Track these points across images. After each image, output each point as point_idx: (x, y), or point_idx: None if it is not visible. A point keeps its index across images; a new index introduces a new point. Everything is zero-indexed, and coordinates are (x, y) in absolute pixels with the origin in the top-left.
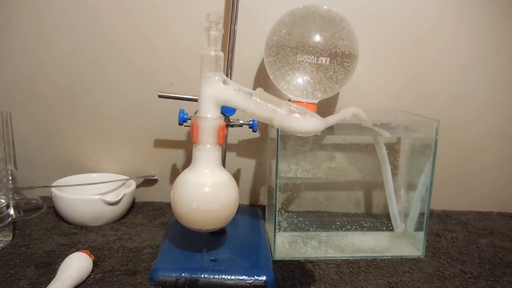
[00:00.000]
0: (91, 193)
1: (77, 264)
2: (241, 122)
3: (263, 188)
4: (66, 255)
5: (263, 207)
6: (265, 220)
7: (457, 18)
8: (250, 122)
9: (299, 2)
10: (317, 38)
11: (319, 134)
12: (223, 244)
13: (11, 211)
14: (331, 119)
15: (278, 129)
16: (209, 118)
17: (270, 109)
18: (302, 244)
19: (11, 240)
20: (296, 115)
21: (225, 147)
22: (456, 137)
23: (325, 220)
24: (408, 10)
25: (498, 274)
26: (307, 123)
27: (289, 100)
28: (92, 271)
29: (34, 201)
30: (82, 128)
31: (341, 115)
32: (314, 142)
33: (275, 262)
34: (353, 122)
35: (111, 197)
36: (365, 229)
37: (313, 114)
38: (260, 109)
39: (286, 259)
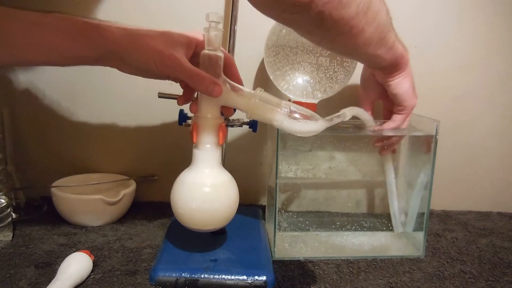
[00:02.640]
0: (91, 193)
1: (77, 264)
2: (241, 122)
3: (263, 188)
4: (66, 255)
5: (263, 207)
6: (265, 220)
7: (457, 18)
8: (250, 122)
9: None
10: None
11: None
12: (223, 244)
13: (11, 211)
14: (332, 120)
15: (278, 129)
16: (209, 118)
17: (270, 109)
18: (302, 244)
19: (11, 240)
20: (296, 115)
21: (225, 147)
22: (456, 137)
23: (325, 220)
24: (408, 10)
25: (498, 274)
26: (307, 123)
27: (289, 100)
28: (92, 271)
29: (34, 201)
30: (82, 128)
31: (342, 115)
32: (314, 142)
33: (275, 262)
34: (354, 123)
35: (111, 197)
36: (365, 229)
37: (312, 114)
38: (259, 110)
39: (286, 259)
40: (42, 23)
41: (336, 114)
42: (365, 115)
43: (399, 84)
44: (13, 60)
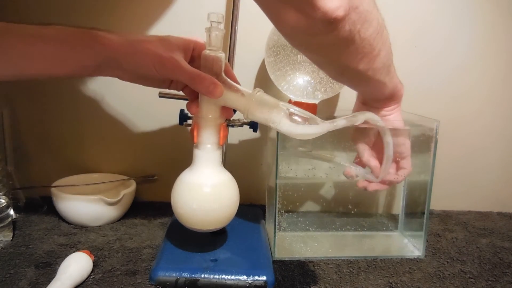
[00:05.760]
0: (91, 193)
1: (77, 264)
2: (241, 122)
3: (263, 188)
4: (66, 255)
5: (263, 207)
6: (265, 220)
7: (456, 18)
8: (251, 122)
9: None
10: None
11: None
12: (223, 244)
13: (11, 211)
14: (334, 124)
15: None
16: (210, 118)
17: (267, 110)
18: (302, 244)
19: (11, 240)
20: (294, 117)
21: (225, 147)
22: (456, 137)
23: (325, 220)
24: (408, 10)
25: (498, 274)
26: (306, 126)
27: (289, 101)
28: (92, 271)
29: (34, 201)
30: (82, 128)
31: (347, 120)
32: (314, 142)
33: (275, 262)
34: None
35: (111, 197)
36: (365, 229)
37: (312, 117)
38: (257, 111)
39: (286, 259)
40: (41, 35)
41: (342, 118)
42: (379, 122)
43: (397, 118)
44: (14, 74)
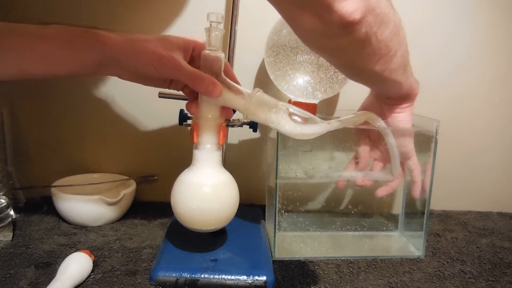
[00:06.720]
0: (91, 193)
1: (77, 264)
2: (241, 122)
3: (263, 188)
4: (66, 255)
5: (263, 207)
6: (265, 220)
7: (456, 18)
8: (250, 122)
9: None
10: None
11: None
12: (223, 244)
13: (11, 211)
14: (334, 124)
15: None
16: (209, 118)
17: (266, 110)
18: (302, 244)
19: (11, 240)
20: (294, 117)
21: (225, 147)
22: (456, 137)
23: (325, 220)
24: (407, 10)
25: (498, 274)
26: (305, 127)
27: (289, 100)
28: (92, 271)
29: (34, 201)
30: (82, 128)
31: (347, 120)
32: (314, 142)
33: (275, 262)
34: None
35: (111, 197)
36: (365, 229)
37: (312, 117)
38: (257, 111)
39: (286, 259)
40: (41, 34)
41: (342, 119)
42: (379, 122)
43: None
44: (15, 73)
